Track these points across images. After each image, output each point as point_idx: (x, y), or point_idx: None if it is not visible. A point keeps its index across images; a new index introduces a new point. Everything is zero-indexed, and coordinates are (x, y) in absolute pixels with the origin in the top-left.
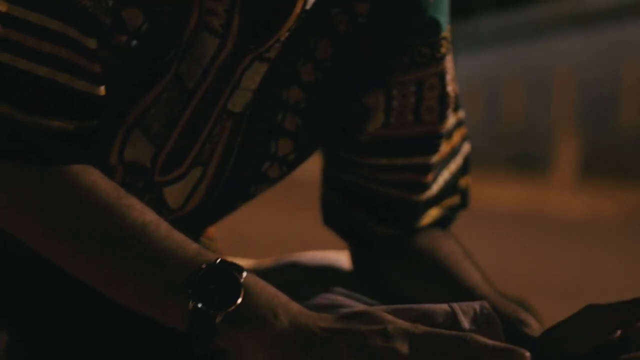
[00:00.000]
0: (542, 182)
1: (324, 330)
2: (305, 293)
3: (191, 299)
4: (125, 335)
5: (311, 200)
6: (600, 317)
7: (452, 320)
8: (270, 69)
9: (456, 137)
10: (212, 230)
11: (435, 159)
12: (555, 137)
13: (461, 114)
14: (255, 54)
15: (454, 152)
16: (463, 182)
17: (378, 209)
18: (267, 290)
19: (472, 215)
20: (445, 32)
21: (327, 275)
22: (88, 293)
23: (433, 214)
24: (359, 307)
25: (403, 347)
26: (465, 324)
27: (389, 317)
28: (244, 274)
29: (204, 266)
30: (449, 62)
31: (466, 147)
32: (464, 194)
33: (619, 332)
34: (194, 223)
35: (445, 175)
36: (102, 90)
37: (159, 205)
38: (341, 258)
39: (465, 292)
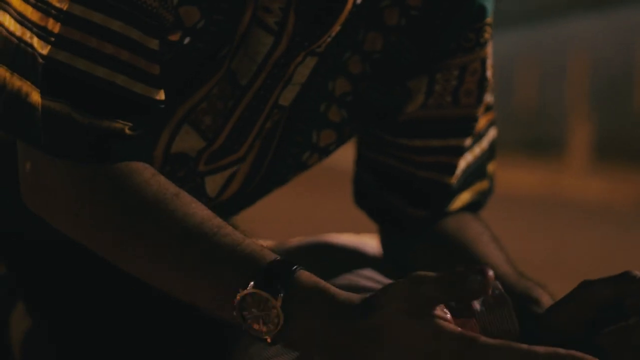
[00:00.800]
0: (556, 165)
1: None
2: (326, 273)
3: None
4: (151, 321)
5: (330, 185)
6: (596, 292)
7: None
8: (318, 62)
9: (482, 121)
10: None
11: (468, 142)
12: (569, 120)
13: (490, 98)
14: (308, 50)
15: (479, 136)
16: (490, 167)
17: (410, 191)
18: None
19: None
20: (490, 17)
21: (350, 256)
22: (117, 280)
23: (464, 198)
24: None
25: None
26: (476, 304)
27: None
28: (300, 271)
29: (263, 265)
30: (490, 48)
31: (492, 132)
32: (492, 179)
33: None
34: (228, 209)
35: (468, 158)
36: (160, 93)
37: (198, 195)
38: (364, 240)
39: None
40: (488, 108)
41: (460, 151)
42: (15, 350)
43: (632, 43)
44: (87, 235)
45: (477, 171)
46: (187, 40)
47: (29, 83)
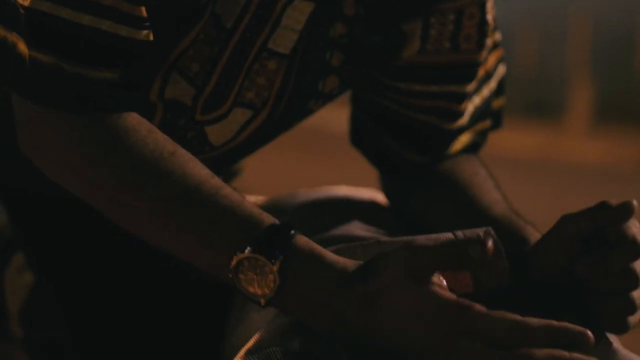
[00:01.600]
0: (557, 128)
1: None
2: (318, 226)
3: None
4: (156, 287)
5: (313, 145)
6: (575, 225)
7: None
8: (316, 8)
9: (491, 59)
10: None
11: (470, 87)
12: (570, 82)
13: (498, 35)
14: None
15: (487, 76)
16: (496, 103)
17: (408, 135)
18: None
19: (486, 162)
20: None
21: (341, 208)
22: (123, 237)
23: (463, 140)
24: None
25: None
26: None
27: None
28: (298, 236)
29: (261, 228)
30: None
31: (501, 70)
32: (498, 115)
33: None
34: (230, 158)
35: (476, 101)
36: (146, 34)
37: (202, 143)
38: (356, 191)
39: (478, 215)
40: (496, 45)
41: (461, 97)
42: (10, 306)
43: (634, 6)
44: (83, 191)
45: (479, 112)
46: None
47: (14, 34)
